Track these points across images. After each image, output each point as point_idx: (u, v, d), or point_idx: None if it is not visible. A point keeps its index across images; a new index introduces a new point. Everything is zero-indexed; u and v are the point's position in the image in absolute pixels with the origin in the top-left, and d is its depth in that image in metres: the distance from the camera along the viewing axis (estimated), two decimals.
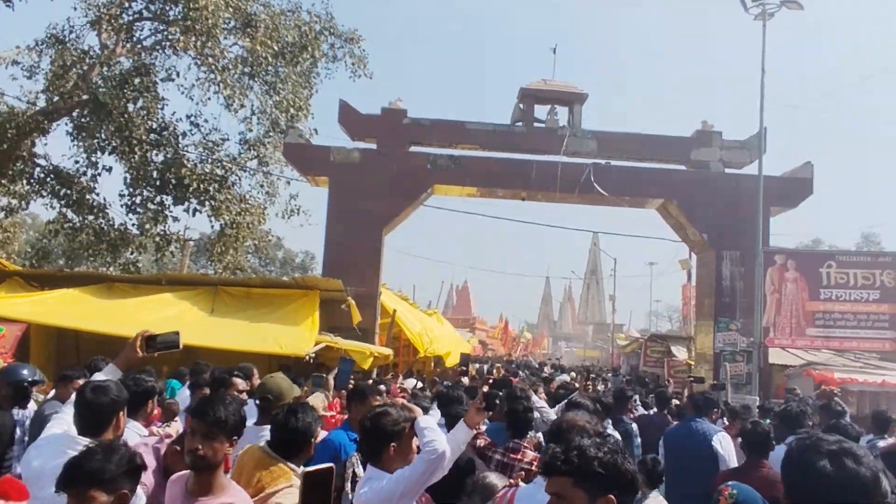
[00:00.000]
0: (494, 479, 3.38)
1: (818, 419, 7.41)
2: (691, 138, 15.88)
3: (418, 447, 3.29)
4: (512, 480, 3.35)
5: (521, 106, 16.15)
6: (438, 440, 3.20)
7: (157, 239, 18.18)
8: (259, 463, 3.33)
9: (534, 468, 4.43)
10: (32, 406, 5.93)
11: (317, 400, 4.08)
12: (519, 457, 4.82)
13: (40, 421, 5.04)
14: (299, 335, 9.13)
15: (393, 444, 3.29)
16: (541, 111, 16.17)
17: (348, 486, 4.25)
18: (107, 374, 3.69)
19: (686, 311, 29.80)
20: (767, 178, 15.02)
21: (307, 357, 8.89)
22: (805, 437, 1.93)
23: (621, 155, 15.80)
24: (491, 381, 8.68)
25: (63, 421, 3.42)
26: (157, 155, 17.28)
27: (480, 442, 5.02)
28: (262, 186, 19.01)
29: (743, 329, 15.07)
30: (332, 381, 4.76)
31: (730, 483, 2.83)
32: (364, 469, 4.11)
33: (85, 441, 3.08)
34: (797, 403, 7.51)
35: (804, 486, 1.83)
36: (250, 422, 5.35)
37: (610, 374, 23.23)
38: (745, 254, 15.08)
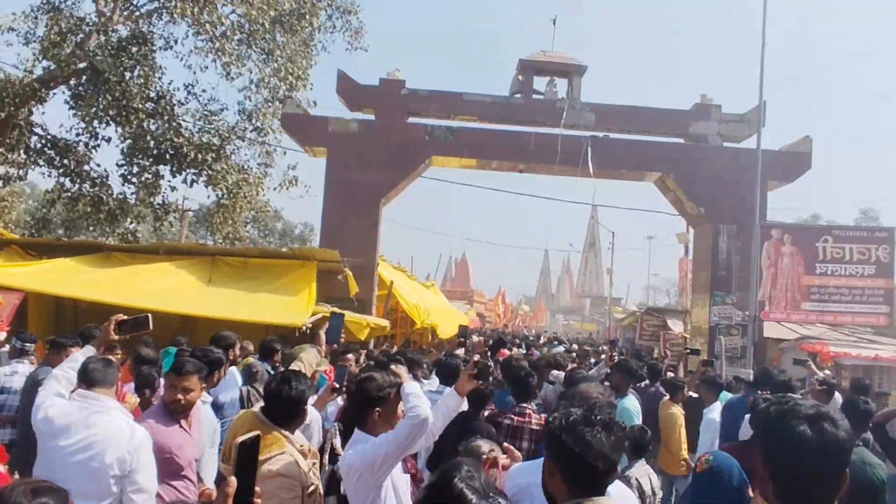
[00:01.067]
0: (481, 442, 3.46)
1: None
2: (690, 111, 15.84)
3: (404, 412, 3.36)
4: (495, 450, 3.41)
5: (520, 77, 16.08)
6: (422, 406, 3.26)
7: (156, 208, 18.16)
8: (252, 429, 3.37)
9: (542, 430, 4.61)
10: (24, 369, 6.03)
11: (310, 355, 4.16)
12: (526, 419, 5.03)
13: (33, 384, 5.21)
14: (296, 305, 9.16)
15: (378, 408, 3.39)
16: (539, 83, 16.11)
17: (326, 458, 4.34)
18: (84, 354, 3.88)
19: (682, 284, 29.89)
20: (766, 152, 14.98)
21: (304, 327, 8.94)
22: (782, 402, 1.89)
23: (619, 128, 15.77)
24: (490, 343, 8.83)
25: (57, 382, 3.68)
26: (153, 124, 17.19)
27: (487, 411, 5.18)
28: (259, 157, 18.97)
29: (738, 303, 15.15)
30: (323, 336, 4.85)
31: (709, 451, 2.90)
32: (343, 441, 4.19)
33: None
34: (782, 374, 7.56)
35: (783, 452, 1.80)
36: (231, 391, 5.40)
37: (606, 348, 23.33)
38: (742, 228, 15.11)
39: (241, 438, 1.69)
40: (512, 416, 5.08)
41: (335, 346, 3.89)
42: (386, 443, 3.19)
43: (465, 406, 4.37)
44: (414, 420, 3.21)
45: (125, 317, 4.01)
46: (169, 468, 3.78)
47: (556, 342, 22.82)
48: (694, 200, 15.51)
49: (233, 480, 1.61)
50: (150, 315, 4.05)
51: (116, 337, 3.97)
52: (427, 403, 3.35)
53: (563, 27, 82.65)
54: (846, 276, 15.04)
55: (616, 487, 2.72)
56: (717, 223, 15.37)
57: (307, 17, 17.94)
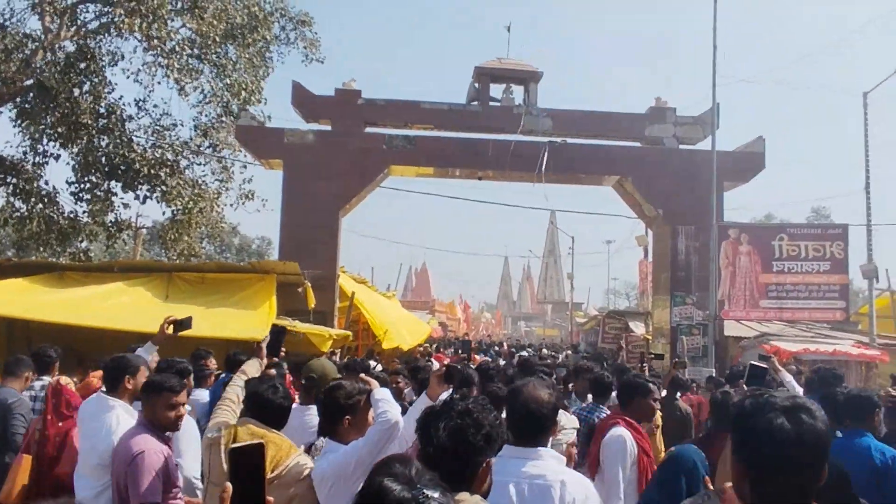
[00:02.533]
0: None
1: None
2: (645, 115, 16.00)
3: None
4: None
5: (477, 85, 16.10)
6: (392, 411, 3.27)
7: (109, 226, 17.78)
8: (263, 437, 3.27)
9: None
10: None
11: (251, 368, 4.13)
12: None
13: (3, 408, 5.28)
14: (256, 319, 8.99)
15: (347, 416, 3.36)
16: (496, 90, 16.15)
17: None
18: (147, 351, 4.86)
19: (643, 286, 30.20)
20: (720, 153, 15.22)
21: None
22: (756, 396, 1.84)
23: (577, 133, 15.86)
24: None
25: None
26: (104, 140, 16.84)
27: None
28: (213, 174, 18.72)
29: (698, 303, 15.31)
30: (264, 349, 4.83)
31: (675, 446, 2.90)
32: None
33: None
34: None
35: (759, 445, 1.74)
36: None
37: (569, 351, 23.49)
38: (699, 228, 15.29)
39: (234, 445, 1.64)
40: None
41: (275, 358, 3.96)
42: (356, 450, 3.17)
43: None
44: (384, 425, 3.21)
45: (178, 317, 4.73)
46: (172, 482, 3.78)
47: (521, 349, 22.93)
48: (652, 203, 15.66)
49: (228, 486, 1.59)
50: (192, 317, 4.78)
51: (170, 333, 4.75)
52: (397, 408, 3.36)
53: (518, 34, 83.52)
54: (802, 272, 15.30)
55: None
56: (675, 224, 15.52)
57: (259, 29, 17.78)
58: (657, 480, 4.13)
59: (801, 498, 1.74)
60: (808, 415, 1.73)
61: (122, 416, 4.08)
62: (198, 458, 4.39)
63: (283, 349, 7.24)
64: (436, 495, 1.52)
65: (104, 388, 4.31)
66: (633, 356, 20.02)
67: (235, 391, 3.63)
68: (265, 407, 3.44)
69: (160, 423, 3.75)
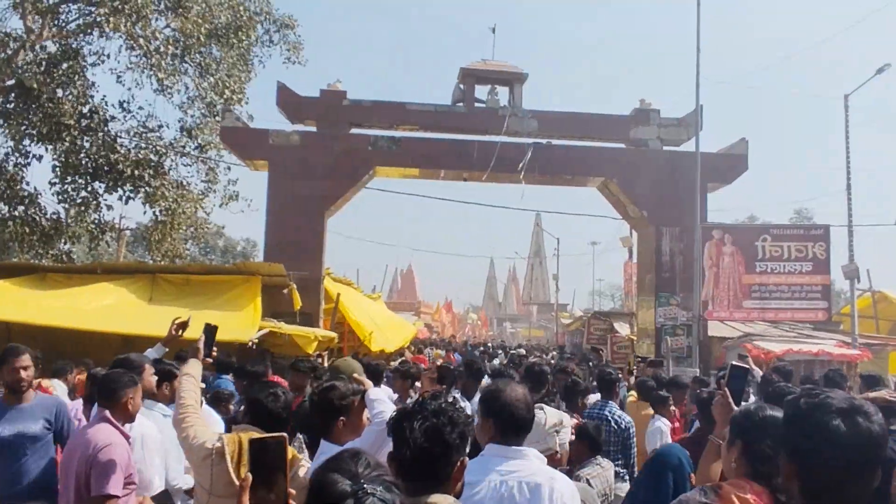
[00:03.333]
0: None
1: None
2: (630, 117, 16.07)
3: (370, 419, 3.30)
4: None
5: (462, 86, 16.11)
6: (387, 411, 3.26)
7: (92, 228, 17.66)
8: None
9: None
10: None
11: (194, 369, 4.08)
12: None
13: None
14: (242, 321, 8.97)
15: (342, 417, 3.32)
16: (481, 91, 16.14)
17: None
18: (155, 353, 4.82)
19: (628, 287, 30.30)
20: (704, 154, 15.30)
21: (250, 343, 8.75)
22: (812, 396, 1.82)
23: (562, 134, 15.90)
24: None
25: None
26: (87, 141, 16.73)
27: None
28: (198, 174, 18.67)
29: (683, 303, 15.38)
30: (202, 348, 4.78)
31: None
32: (310, 451, 4.09)
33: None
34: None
35: (815, 447, 1.72)
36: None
37: (555, 352, 23.54)
38: (684, 229, 15.36)
39: (255, 437, 1.70)
40: None
41: (209, 359, 3.91)
42: None
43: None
44: (380, 426, 3.20)
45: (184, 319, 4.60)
46: (130, 478, 3.78)
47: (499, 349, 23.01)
48: (636, 204, 15.72)
49: (248, 476, 1.64)
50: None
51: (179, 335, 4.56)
52: (392, 409, 3.32)
53: (503, 36, 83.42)
54: (785, 273, 15.40)
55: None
56: (659, 226, 15.60)
57: (244, 29, 17.73)
58: (644, 479, 4.16)
59: (854, 500, 1.73)
60: (864, 417, 1.72)
61: (137, 416, 4.08)
62: (181, 463, 4.36)
63: (269, 350, 7.23)
64: (378, 489, 1.52)
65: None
66: (619, 356, 20.13)
67: (193, 396, 3.50)
68: (267, 415, 3.36)
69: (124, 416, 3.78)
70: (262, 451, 1.66)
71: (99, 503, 3.49)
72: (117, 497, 3.52)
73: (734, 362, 3.07)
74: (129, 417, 3.87)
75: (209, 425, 3.56)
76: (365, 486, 1.51)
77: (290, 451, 3.14)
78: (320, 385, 3.61)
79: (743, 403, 2.83)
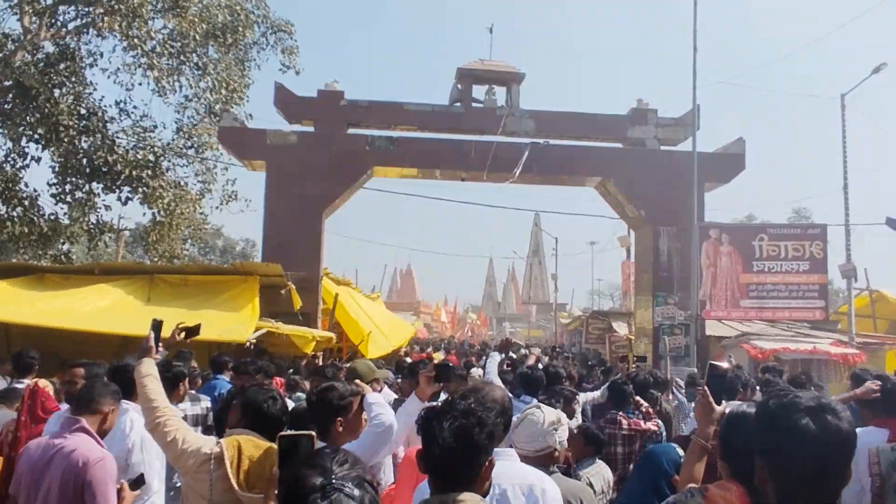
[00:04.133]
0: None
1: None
2: (627, 116, 16.09)
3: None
4: None
5: (459, 86, 16.12)
6: (386, 413, 3.27)
7: (90, 228, 17.68)
8: (267, 451, 3.08)
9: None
10: None
11: (152, 367, 4.05)
12: (617, 427, 5.74)
13: None
14: (239, 321, 8.98)
15: (339, 418, 3.31)
16: (479, 91, 16.16)
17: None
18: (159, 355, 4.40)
19: (626, 286, 30.33)
20: (701, 154, 15.33)
21: (248, 343, 8.77)
22: (781, 395, 1.82)
23: (559, 134, 15.92)
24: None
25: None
26: (85, 141, 16.74)
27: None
28: (196, 175, 18.69)
29: (680, 303, 15.41)
30: (153, 345, 4.73)
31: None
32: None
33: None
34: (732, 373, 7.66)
35: (785, 446, 1.73)
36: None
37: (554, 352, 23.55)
38: (681, 229, 15.39)
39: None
40: (605, 423, 5.64)
41: (157, 355, 3.85)
42: None
43: None
44: (378, 428, 3.21)
45: (187, 324, 4.27)
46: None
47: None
48: (634, 204, 15.74)
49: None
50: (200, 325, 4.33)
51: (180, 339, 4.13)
52: (390, 412, 3.35)
53: (500, 36, 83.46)
54: (782, 272, 15.41)
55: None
56: (656, 225, 15.62)
57: (241, 30, 17.74)
58: (632, 479, 4.19)
59: (826, 498, 1.73)
60: (833, 415, 1.72)
61: (136, 418, 3.99)
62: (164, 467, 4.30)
63: (267, 350, 7.22)
64: (348, 485, 1.53)
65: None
66: (616, 356, 20.18)
67: (163, 397, 3.34)
68: (266, 419, 3.29)
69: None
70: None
71: None
72: None
73: (712, 361, 3.08)
74: (102, 432, 3.67)
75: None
76: (334, 481, 1.53)
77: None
78: (319, 386, 3.59)
79: (724, 403, 2.84)
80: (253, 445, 3.04)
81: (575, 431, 4.84)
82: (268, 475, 2.83)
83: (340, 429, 3.29)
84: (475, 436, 2.14)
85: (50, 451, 3.44)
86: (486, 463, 2.17)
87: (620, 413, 5.83)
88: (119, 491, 3.40)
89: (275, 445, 3.08)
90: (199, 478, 2.97)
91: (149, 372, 3.42)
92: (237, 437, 3.10)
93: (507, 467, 2.70)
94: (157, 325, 3.84)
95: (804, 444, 1.69)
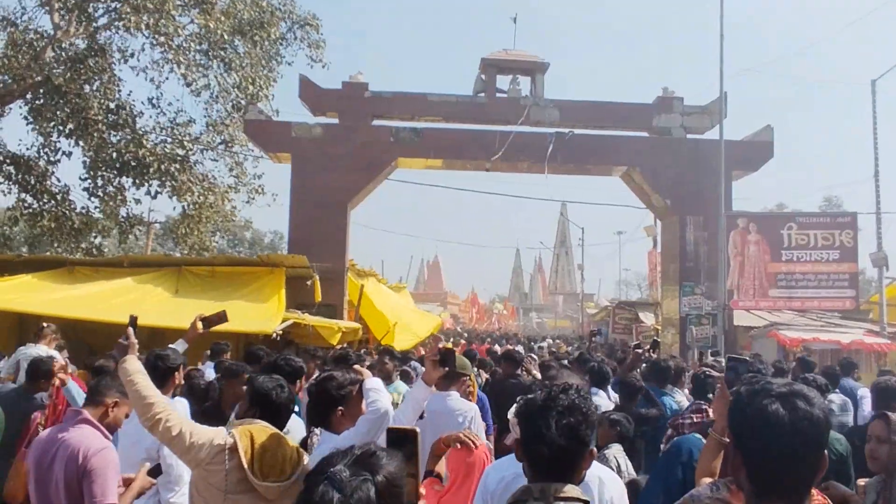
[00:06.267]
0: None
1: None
2: (653, 105, 15.95)
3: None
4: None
5: (483, 76, 16.08)
6: (381, 399, 3.28)
7: (121, 222, 17.95)
8: (280, 439, 3.10)
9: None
10: None
11: (139, 364, 4.04)
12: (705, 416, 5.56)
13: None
14: (266, 313, 9.09)
15: (340, 407, 3.36)
16: (503, 81, 16.11)
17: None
18: (179, 346, 4.56)
19: (652, 276, 30.15)
20: (728, 142, 15.16)
21: (274, 334, 8.86)
22: (753, 382, 1.77)
23: (584, 123, 15.82)
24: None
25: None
26: (114, 136, 16.97)
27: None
28: (230, 170, 18.89)
29: (707, 292, 15.28)
30: (134, 341, 4.75)
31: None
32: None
33: None
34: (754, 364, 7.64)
35: (755, 432, 1.67)
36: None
37: (580, 342, 23.53)
38: (708, 218, 15.25)
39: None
40: (690, 413, 5.51)
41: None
42: (348, 440, 3.14)
43: None
44: (374, 414, 3.23)
45: (206, 314, 4.58)
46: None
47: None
48: (660, 193, 15.62)
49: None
50: (226, 311, 4.63)
51: (201, 331, 4.44)
52: (387, 398, 3.36)
53: (524, 25, 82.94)
54: (811, 261, 15.22)
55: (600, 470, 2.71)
56: (683, 215, 15.49)
57: (266, 26, 17.84)
58: (657, 470, 4.21)
59: (800, 486, 1.69)
60: (804, 401, 1.67)
61: None
62: None
63: (294, 341, 7.28)
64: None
65: None
66: (630, 346, 20.04)
67: (157, 393, 3.26)
68: (275, 408, 3.28)
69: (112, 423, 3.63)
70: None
71: None
72: None
73: (731, 354, 3.07)
74: (109, 426, 3.63)
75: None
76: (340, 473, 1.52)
77: (294, 446, 3.17)
78: (319, 375, 3.64)
79: None
80: (265, 434, 3.04)
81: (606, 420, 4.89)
82: (281, 464, 2.87)
83: (341, 417, 3.35)
84: (581, 432, 2.17)
85: (54, 445, 3.44)
86: (588, 454, 2.21)
87: (706, 403, 5.81)
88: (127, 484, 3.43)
89: (286, 437, 3.13)
90: (214, 469, 2.94)
91: (135, 369, 3.34)
92: (248, 426, 3.08)
93: None
94: (133, 322, 3.84)
95: (775, 430, 1.65)
